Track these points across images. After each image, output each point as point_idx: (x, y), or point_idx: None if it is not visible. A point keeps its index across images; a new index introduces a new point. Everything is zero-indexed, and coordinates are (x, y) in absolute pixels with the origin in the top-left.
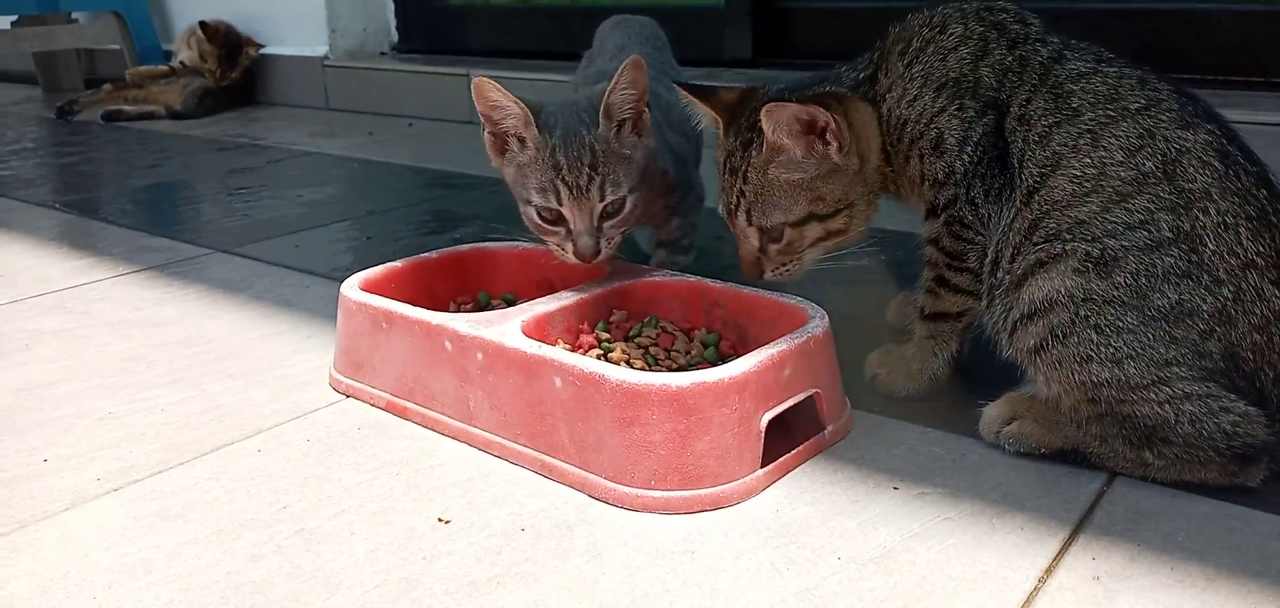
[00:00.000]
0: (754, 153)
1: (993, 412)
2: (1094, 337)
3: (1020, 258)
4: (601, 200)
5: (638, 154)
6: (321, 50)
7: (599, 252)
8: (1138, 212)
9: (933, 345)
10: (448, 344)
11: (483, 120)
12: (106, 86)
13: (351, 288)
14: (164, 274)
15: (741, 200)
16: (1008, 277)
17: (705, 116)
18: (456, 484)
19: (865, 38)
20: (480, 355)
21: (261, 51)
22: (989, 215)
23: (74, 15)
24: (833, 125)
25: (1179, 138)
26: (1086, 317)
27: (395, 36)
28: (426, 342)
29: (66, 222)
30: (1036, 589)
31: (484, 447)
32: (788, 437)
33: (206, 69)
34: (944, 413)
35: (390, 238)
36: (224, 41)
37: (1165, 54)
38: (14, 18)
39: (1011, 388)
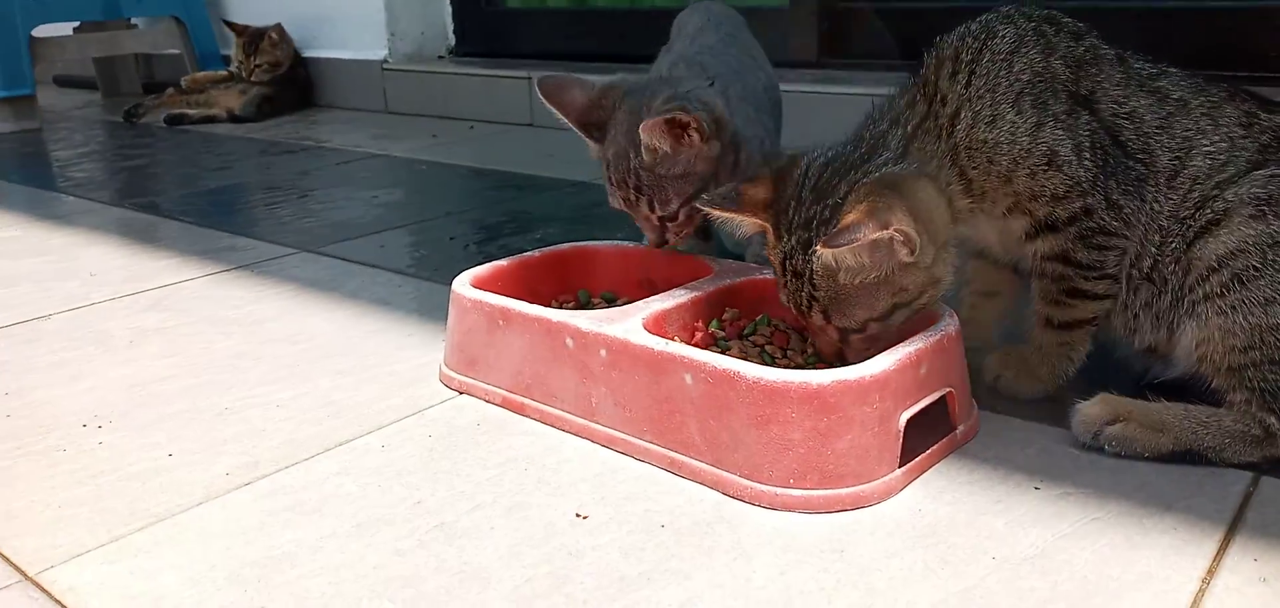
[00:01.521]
0: (817, 258)
1: (1092, 411)
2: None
3: (1173, 237)
4: (651, 212)
5: (697, 165)
6: (381, 54)
7: (665, 244)
8: (1274, 167)
9: (1065, 351)
10: (569, 341)
11: None
12: (169, 90)
13: (464, 285)
14: (253, 273)
15: (814, 303)
16: (1160, 257)
17: (747, 226)
18: (586, 480)
19: (931, 38)
20: (604, 352)
21: (285, 39)
22: (1131, 210)
23: (134, 20)
24: (899, 237)
25: (1271, 120)
26: (1274, 260)
27: (453, 40)
28: (546, 339)
29: (146, 222)
30: (1202, 590)
31: (607, 443)
32: (917, 436)
33: (237, 61)
34: (1065, 414)
35: (471, 239)
36: (249, 35)
37: (1241, 54)
38: (76, 23)
39: (1103, 388)
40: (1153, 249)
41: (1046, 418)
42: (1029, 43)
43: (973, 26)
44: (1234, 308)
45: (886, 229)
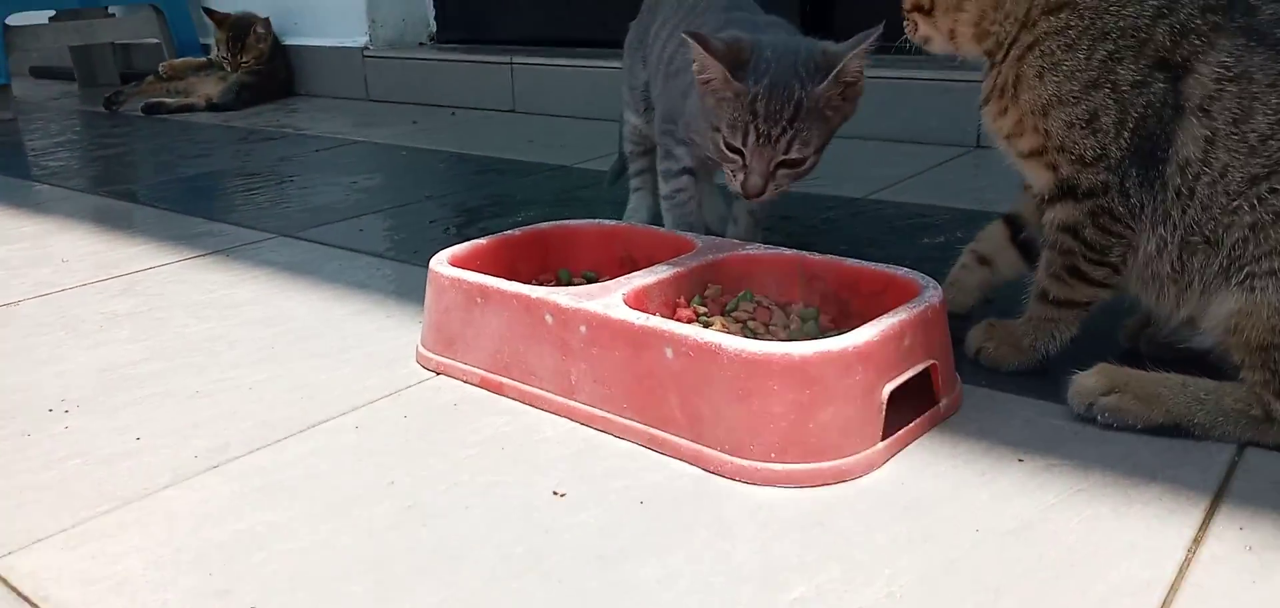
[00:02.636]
0: None
1: (1088, 381)
2: None
3: (1238, 198)
4: (787, 152)
5: (835, 119)
6: (361, 41)
7: (763, 193)
8: None
9: (1052, 328)
10: (548, 318)
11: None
12: (148, 78)
13: (442, 264)
14: (229, 258)
15: None
16: (1222, 221)
17: None
18: (565, 458)
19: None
20: (584, 328)
21: (269, 28)
22: (1141, 205)
23: (111, 9)
24: None
25: None
26: None
27: (433, 27)
28: (525, 316)
29: (121, 209)
30: (1188, 559)
31: (587, 421)
32: (899, 410)
33: (221, 58)
34: (1053, 386)
35: (452, 222)
36: (233, 26)
37: None
38: (52, 12)
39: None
40: (1217, 211)
41: (1030, 391)
42: None
43: None
44: None
45: None
